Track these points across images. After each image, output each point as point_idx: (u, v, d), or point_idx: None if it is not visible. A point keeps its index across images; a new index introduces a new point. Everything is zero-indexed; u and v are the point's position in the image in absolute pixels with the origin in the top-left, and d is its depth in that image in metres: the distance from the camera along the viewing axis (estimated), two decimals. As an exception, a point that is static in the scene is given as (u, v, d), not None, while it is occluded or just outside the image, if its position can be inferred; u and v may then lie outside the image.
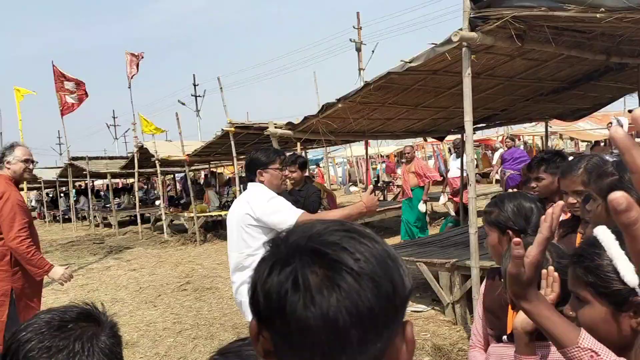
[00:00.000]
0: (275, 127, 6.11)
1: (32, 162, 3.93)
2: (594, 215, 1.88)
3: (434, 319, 5.52)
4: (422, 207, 8.59)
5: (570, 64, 5.76)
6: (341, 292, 0.60)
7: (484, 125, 8.40)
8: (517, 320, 1.42)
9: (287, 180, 3.51)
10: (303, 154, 11.27)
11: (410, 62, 4.81)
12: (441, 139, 9.34)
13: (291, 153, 7.21)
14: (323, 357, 0.62)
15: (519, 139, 22.03)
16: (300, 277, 0.61)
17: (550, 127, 10.26)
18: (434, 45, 4.60)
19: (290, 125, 6.11)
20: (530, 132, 18.89)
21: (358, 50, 21.52)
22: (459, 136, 9.06)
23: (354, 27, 21.90)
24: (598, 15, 3.58)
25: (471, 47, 4.30)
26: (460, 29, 4.22)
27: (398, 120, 6.80)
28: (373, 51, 21.71)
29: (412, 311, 5.71)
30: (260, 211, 3.09)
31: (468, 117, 4.44)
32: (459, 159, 9.11)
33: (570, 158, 2.87)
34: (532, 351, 1.41)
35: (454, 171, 10.29)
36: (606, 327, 1.05)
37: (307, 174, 5.59)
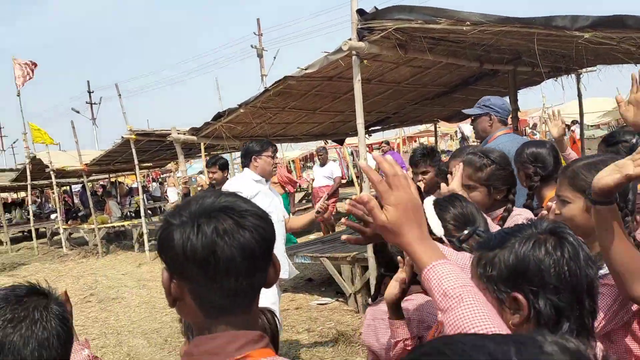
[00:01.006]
0: (178, 133, 6.19)
1: None
2: (475, 200, 2.23)
3: (338, 310, 5.88)
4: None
5: (449, 70, 6.40)
6: (248, 231, 0.89)
7: (378, 127, 8.98)
8: (386, 293, 1.58)
9: (275, 167, 4.00)
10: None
11: (305, 69, 5.15)
12: (341, 142, 9.81)
13: (213, 155, 7.27)
14: (243, 278, 0.89)
15: (415, 141, 23.39)
16: (222, 225, 0.88)
17: (439, 127, 11.10)
18: (327, 53, 4.97)
19: (193, 131, 6.22)
20: (426, 133, 20.11)
21: (260, 56, 21.78)
22: (354, 140, 9.59)
23: (254, 34, 22.12)
24: (465, 28, 4.11)
25: (360, 55, 4.70)
26: (350, 39, 4.61)
27: (299, 124, 7.14)
28: (275, 57, 22.05)
29: (318, 304, 6.04)
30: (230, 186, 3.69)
31: (360, 120, 4.84)
32: (324, 167, 9.51)
33: None
34: (401, 316, 1.59)
35: (319, 180, 9.72)
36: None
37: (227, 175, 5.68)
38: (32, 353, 1.06)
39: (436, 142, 10.32)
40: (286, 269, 3.82)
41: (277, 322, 1.27)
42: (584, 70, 7.20)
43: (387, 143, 10.99)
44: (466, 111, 3.93)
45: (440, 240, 1.46)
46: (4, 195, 20.80)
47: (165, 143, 9.02)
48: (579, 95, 7.77)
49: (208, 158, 5.62)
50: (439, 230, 1.46)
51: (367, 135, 9.17)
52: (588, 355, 0.53)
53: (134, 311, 6.68)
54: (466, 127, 18.56)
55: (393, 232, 1.03)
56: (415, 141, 23.49)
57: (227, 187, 3.85)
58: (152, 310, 6.58)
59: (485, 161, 2.22)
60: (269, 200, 3.74)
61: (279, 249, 3.79)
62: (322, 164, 9.57)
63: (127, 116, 10.06)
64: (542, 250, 1.06)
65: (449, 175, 2.24)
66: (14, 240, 15.62)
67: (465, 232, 1.47)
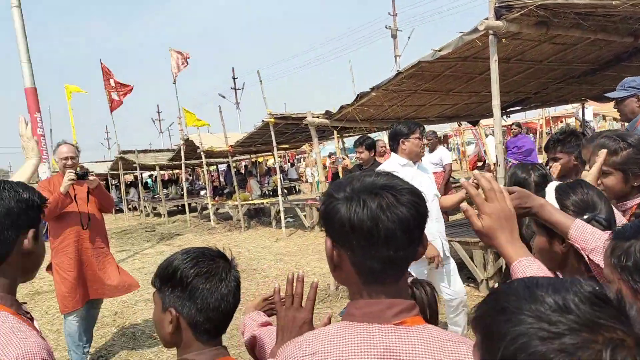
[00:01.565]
0: (313, 117, 6.48)
1: (70, 158, 4.17)
2: (607, 188, 2.15)
3: (469, 295, 5.81)
4: None
5: (598, 46, 5.89)
6: (405, 207, 1.00)
7: (518, 108, 8.54)
8: None
9: (423, 149, 3.99)
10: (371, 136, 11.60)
11: (439, 51, 5.08)
12: (474, 123, 9.49)
13: (360, 135, 7.25)
14: (400, 249, 1.00)
15: (561, 122, 21.67)
16: (384, 201, 1.00)
17: (587, 108, 10.22)
18: (462, 33, 4.86)
19: (327, 114, 6.46)
20: (571, 114, 18.56)
21: (394, 37, 21.60)
22: (491, 121, 9.12)
23: (389, 14, 21.96)
24: (614, 2, 3.78)
25: (497, 34, 4.53)
26: (486, 18, 4.47)
27: (431, 106, 7.06)
28: (409, 37, 21.74)
29: (447, 287, 6.00)
30: None
31: (496, 101, 4.67)
32: (433, 153, 8.31)
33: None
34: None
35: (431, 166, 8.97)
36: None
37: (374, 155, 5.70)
38: (214, 302, 1.30)
39: (583, 123, 9.52)
40: (440, 247, 3.83)
41: (435, 295, 1.37)
42: None
43: (519, 125, 10.27)
44: (610, 94, 3.68)
45: None
46: (162, 172, 23.22)
47: (301, 126, 9.48)
48: None
49: (356, 138, 5.75)
50: None
51: (505, 117, 8.77)
52: None
53: (272, 282, 7.19)
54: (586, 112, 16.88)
55: (487, 236, 1.26)
56: (561, 122, 21.80)
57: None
58: (288, 283, 7.04)
59: (621, 144, 2.09)
60: (417, 182, 3.73)
61: (433, 228, 3.78)
62: (431, 150, 8.47)
63: (267, 100, 10.68)
64: None
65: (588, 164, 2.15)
66: (170, 213, 17.52)
67: (585, 217, 1.45)
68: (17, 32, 8.07)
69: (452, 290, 3.99)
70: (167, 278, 1.33)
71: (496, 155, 4.89)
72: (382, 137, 12.68)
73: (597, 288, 0.68)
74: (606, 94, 3.87)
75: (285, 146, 15.46)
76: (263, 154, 19.00)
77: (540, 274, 1.15)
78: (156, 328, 1.37)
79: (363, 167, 5.66)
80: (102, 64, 17.09)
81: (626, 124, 3.70)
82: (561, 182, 1.63)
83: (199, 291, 1.30)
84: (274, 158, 12.26)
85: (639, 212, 2.08)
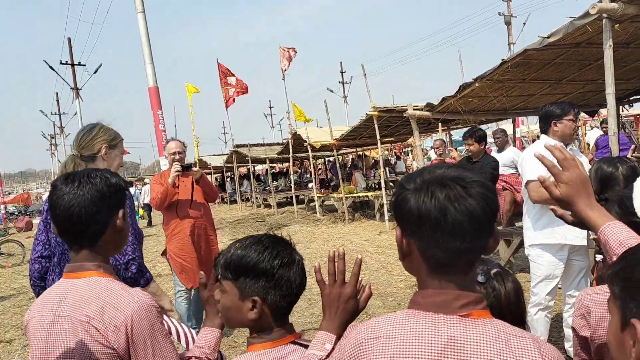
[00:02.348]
0: (415, 109, 6.43)
1: (178, 153, 4.49)
2: None
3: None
4: None
5: None
6: (474, 199, 1.02)
7: (644, 96, 7.79)
8: None
9: (576, 132, 3.92)
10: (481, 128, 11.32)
11: (548, 38, 4.82)
12: (592, 113, 8.81)
13: (470, 127, 6.79)
14: (468, 241, 1.02)
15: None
16: (452, 192, 1.03)
17: None
18: (572, 18, 4.57)
19: (428, 107, 6.38)
20: None
21: (507, 23, 20.56)
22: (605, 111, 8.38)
23: (502, 0, 20.93)
24: None
25: (612, 18, 4.21)
26: (600, 1, 4.17)
27: (541, 95, 6.68)
28: (524, 24, 20.55)
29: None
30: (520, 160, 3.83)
31: (610, 90, 4.36)
32: (502, 153, 7.12)
33: None
34: None
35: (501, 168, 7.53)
36: None
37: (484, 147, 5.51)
38: (296, 288, 1.43)
39: (619, 124, 8.44)
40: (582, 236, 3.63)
41: (518, 290, 1.37)
42: None
43: (444, 142, 8.81)
44: None
45: None
46: (272, 165, 24.20)
47: (405, 119, 9.42)
48: None
49: (466, 130, 5.61)
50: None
51: (627, 106, 8.06)
52: None
53: (373, 274, 7.27)
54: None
55: (567, 202, 1.34)
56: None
57: (523, 155, 3.84)
58: (389, 275, 7.08)
59: None
60: None
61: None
62: (500, 150, 7.29)
63: (375, 93, 10.80)
64: None
65: None
66: (279, 205, 18.25)
67: None
68: (141, 36, 8.89)
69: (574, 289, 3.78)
70: (246, 269, 1.42)
71: (610, 148, 4.54)
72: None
73: None
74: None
75: (390, 139, 15.42)
76: (369, 147, 19.08)
77: (633, 237, 1.24)
78: (227, 313, 1.48)
79: (472, 160, 5.50)
80: (218, 63, 18.20)
81: None
82: None
83: (284, 280, 1.40)
84: (379, 151, 12.27)
85: None
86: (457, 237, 1.01)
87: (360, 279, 1.45)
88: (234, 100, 18.02)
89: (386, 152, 25.96)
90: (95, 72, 25.20)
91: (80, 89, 26.57)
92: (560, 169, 1.34)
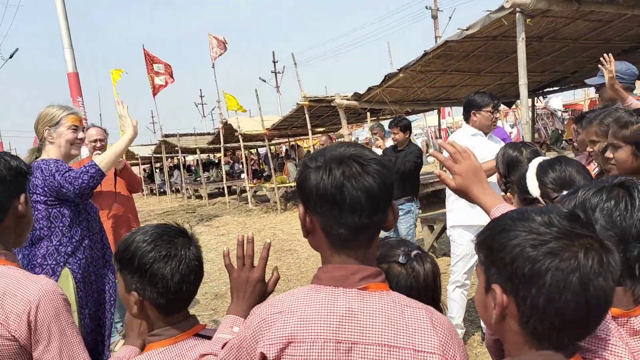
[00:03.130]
0: (342, 99, 6.51)
1: (99, 140, 4.32)
2: (618, 162, 2.14)
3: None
4: None
5: (638, 22, 5.63)
6: (371, 176, 1.05)
7: (556, 88, 8.29)
8: None
9: (495, 123, 3.93)
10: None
11: (466, 30, 5.00)
12: (509, 104, 9.27)
13: (395, 116, 7.03)
14: (365, 217, 1.05)
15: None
16: (349, 170, 1.05)
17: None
18: (489, 12, 4.77)
19: (355, 96, 6.48)
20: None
21: (434, 17, 21.19)
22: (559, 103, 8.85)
23: (429, -6, 21.49)
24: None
25: (525, 12, 4.42)
26: (513, -5, 4.37)
27: (462, 86, 6.96)
28: (450, 17, 21.26)
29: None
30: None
31: (522, 81, 4.56)
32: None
33: None
34: None
35: None
36: None
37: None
38: (175, 285, 1.35)
39: (552, 113, 9.14)
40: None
41: (435, 272, 1.41)
42: None
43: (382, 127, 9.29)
44: (588, 81, 3.73)
45: (536, 200, 1.49)
46: (203, 156, 23.73)
47: (337, 108, 9.52)
48: None
49: (391, 119, 5.69)
50: (535, 190, 1.51)
51: (541, 98, 8.54)
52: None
53: (303, 263, 7.34)
54: (556, 102, 16.27)
55: (463, 192, 1.45)
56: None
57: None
58: (319, 263, 7.14)
59: (633, 119, 2.06)
60: (487, 152, 3.60)
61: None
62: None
63: (307, 84, 10.83)
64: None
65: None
66: (211, 196, 17.95)
67: (563, 193, 1.47)
68: (59, 18, 8.41)
69: None
70: (126, 262, 1.36)
71: (523, 137, 4.80)
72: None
73: (573, 210, 0.91)
74: (586, 80, 3.93)
75: (322, 129, 15.54)
76: (301, 137, 19.13)
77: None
78: (124, 304, 1.43)
79: (398, 148, 5.63)
80: (144, 49, 17.54)
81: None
82: (545, 159, 1.65)
83: (158, 276, 1.33)
84: (310, 141, 12.34)
85: None
86: (355, 213, 1.04)
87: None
88: (161, 87, 17.47)
89: (319, 143, 26.15)
90: (11, 57, 23.65)
91: (-6, 75, 24.85)
92: (453, 162, 1.44)
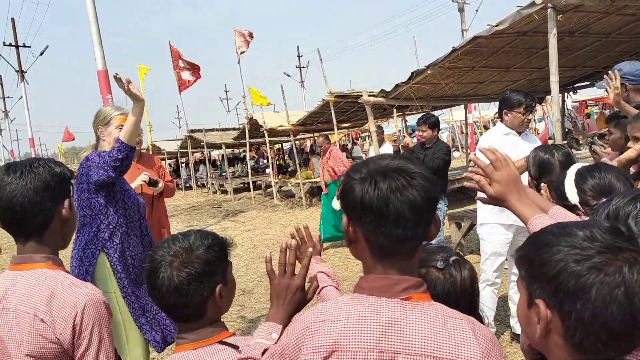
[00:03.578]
0: (369, 95, 6.50)
1: (137, 142, 4.46)
2: None
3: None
4: (335, 204, 7.58)
5: (674, 15, 5.49)
6: (415, 190, 1.07)
7: (587, 83, 8.12)
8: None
9: (528, 123, 3.91)
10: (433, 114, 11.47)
11: (496, 26, 4.94)
12: (540, 100, 9.12)
13: (424, 112, 7.08)
14: (409, 229, 1.07)
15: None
16: (395, 183, 1.07)
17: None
18: (519, 8, 4.71)
19: (382, 93, 6.46)
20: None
21: (460, 10, 20.90)
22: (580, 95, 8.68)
23: (456, -13, 21.23)
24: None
25: (557, 7, 4.35)
26: (545, -9, 4.30)
27: (491, 82, 6.88)
28: (477, 10, 20.96)
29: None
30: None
31: (554, 78, 4.51)
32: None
33: None
34: None
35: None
36: None
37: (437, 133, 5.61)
38: (167, 292, 1.42)
39: (563, 112, 8.90)
40: None
41: (472, 277, 1.43)
42: None
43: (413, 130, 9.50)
44: (597, 85, 3.69)
45: (575, 207, 1.49)
46: (228, 151, 23.94)
47: (361, 104, 9.49)
48: None
49: (420, 114, 5.67)
50: (574, 197, 1.50)
51: (571, 93, 8.38)
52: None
53: (329, 258, 7.37)
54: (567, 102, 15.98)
55: (501, 200, 1.44)
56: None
57: (480, 142, 3.99)
58: (345, 260, 7.18)
59: None
60: (517, 151, 3.66)
61: None
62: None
63: (332, 78, 10.82)
64: None
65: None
66: (236, 191, 18.11)
67: (602, 201, 1.46)
68: (89, 17, 8.57)
69: None
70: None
71: (553, 133, 4.73)
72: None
73: (615, 224, 0.92)
74: (595, 84, 3.90)
75: (347, 125, 15.51)
76: (326, 132, 19.16)
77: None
78: None
79: (426, 146, 5.60)
80: (170, 45, 17.74)
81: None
82: (583, 165, 1.64)
83: (151, 286, 1.44)
84: (336, 136, 12.34)
85: None
86: (399, 226, 1.06)
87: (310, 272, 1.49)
88: (188, 83, 17.64)
89: (344, 138, 26.09)
90: (42, 54, 24.21)
91: (26, 72, 25.46)
92: (493, 169, 1.44)
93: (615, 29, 5.67)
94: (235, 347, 1.39)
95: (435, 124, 5.50)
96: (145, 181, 4.27)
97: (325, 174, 8.01)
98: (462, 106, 11.53)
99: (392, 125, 21.53)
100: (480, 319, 1.44)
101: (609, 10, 5.01)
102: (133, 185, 4.26)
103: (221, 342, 1.43)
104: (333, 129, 12.26)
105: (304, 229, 1.64)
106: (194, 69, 17.30)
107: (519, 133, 3.81)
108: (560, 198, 1.60)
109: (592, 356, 0.89)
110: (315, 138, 20.42)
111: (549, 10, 4.33)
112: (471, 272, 1.38)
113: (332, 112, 10.43)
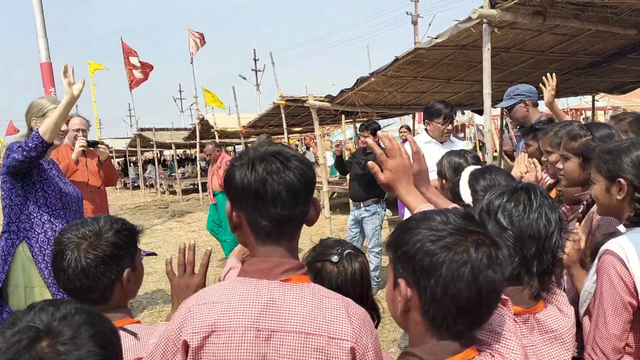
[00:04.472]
0: (315, 100, 6.58)
1: (82, 130, 4.35)
2: (566, 172, 2.24)
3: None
4: None
5: (601, 38, 5.83)
6: (291, 171, 1.14)
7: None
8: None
9: (448, 134, 4.14)
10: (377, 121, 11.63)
11: (436, 38, 5.11)
12: (480, 112, 9.46)
13: (367, 119, 7.26)
14: (287, 209, 1.14)
15: (581, 114, 21.32)
16: (270, 166, 1.15)
17: (597, 101, 10.11)
18: (457, 22, 4.89)
19: (328, 98, 6.56)
20: (586, 107, 18.25)
21: (414, 23, 21.43)
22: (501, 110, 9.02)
23: (410, 0, 21.76)
24: (604, -7, 3.79)
25: (492, 23, 4.54)
26: (481, 7, 4.49)
27: (433, 93, 7.09)
28: (430, 24, 21.53)
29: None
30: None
31: (487, 90, 4.67)
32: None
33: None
34: None
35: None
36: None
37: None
38: (69, 276, 1.46)
39: (593, 115, 9.44)
40: None
41: (363, 269, 1.50)
42: None
43: (408, 128, 10.30)
44: (501, 105, 4.17)
45: (468, 206, 1.59)
46: (180, 151, 23.57)
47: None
48: None
49: (363, 121, 5.86)
50: (467, 197, 1.60)
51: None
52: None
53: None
54: (480, 118, 17.00)
55: (390, 187, 1.49)
56: (581, 114, 21.42)
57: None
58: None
59: (583, 132, 2.17)
60: (434, 159, 3.87)
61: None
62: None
63: (289, 83, 11.00)
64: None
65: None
66: (185, 192, 17.85)
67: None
68: (34, 7, 8.30)
69: None
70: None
71: (484, 143, 4.93)
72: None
73: (468, 211, 1.03)
74: (496, 106, 4.28)
75: (298, 129, 15.57)
76: (278, 136, 19.16)
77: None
78: None
79: (367, 151, 5.74)
80: (122, 42, 17.36)
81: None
82: (477, 167, 1.75)
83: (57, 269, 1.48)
84: (286, 140, 12.37)
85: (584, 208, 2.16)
86: (276, 206, 1.13)
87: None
88: (140, 81, 17.28)
89: (297, 142, 26.18)
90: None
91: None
92: (387, 157, 1.49)
93: (548, 47, 5.97)
94: (134, 334, 1.41)
95: (376, 130, 5.65)
96: (83, 146, 4.17)
97: (214, 182, 7.81)
98: (411, 116, 11.79)
99: (341, 133, 21.76)
100: (376, 307, 1.52)
101: (541, 28, 5.26)
102: (73, 155, 4.17)
103: (121, 328, 1.44)
104: (283, 133, 12.30)
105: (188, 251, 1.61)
106: (146, 68, 16.99)
107: (441, 142, 4.00)
108: (455, 198, 1.71)
109: (445, 330, 0.97)
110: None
111: (484, 25, 4.52)
112: (361, 265, 1.45)
113: (283, 115, 10.46)
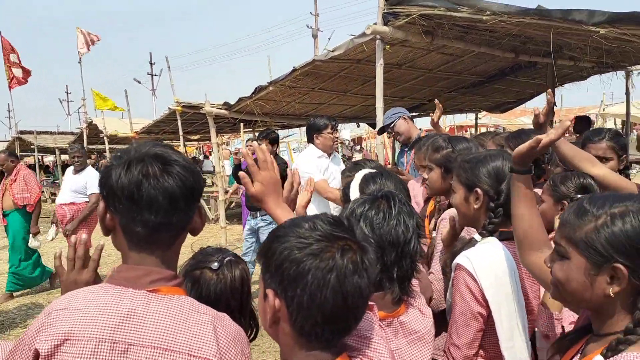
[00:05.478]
0: (212, 107, 6.45)
1: None
2: (430, 182, 2.36)
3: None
4: (51, 233, 6.55)
5: (484, 59, 6.31)
6: (172, 177, 1.07)
7: (415, 114, 8.94)
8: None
9: (337, 143, 4.22)
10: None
11: (332, 51, 5.24)
12: (374, 125, 9.82)
13: (265, 128, 7.27)
14: (163, 216, 1.06)
15: (466, 130, 22.93)
16: (148, 169, 1.07)
17: (480, 118, 10.93)
18: (353, 36, 5.04)
19: (226, 106, 6.46)
20: (471, 124, 19.70)
21: (314, 37, 21.86)
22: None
23: (311, 14, 22.19)
24: (484, 17, 4.09)
25: (384, 40, 4.73)
26: (375, 23, 4.66)
27: (330, 105, 7.25)
28: (329, 39, 22.07)
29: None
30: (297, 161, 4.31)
31: (379, 104, 4.86)
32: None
33: None
34: None
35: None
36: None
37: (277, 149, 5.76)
38: None
39: (476, 132, 10.17)
40: None
41: (244, 277, 1.46)
42: (634, 67, 6.93)
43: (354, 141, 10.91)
44: (383, 124, 4.39)
45: None
46: (64, 157, 21.99)
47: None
48: (627, 94, 7.51)
49: (261, 130, 5.83)
50: None
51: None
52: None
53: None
54: (345, 133, 18.82)
55: (259, 200, 1.43)
56: (466, 131, 23.05)
57: (296, 162, 4.16)
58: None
59: (445, 144, 2.31)
60: (329, 173, 4.02)
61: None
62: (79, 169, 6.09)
63: (188, 89, 10.56)
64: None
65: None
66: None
67: None
68: None
69: None
70: None
71: (376, 154, 5.12)
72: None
73: (336, 216, 1.00)
74: (376, 129, 4.68)
75: (196, 137, 15.18)
76: (173, 143, 18.54)
77: None
78: None
79: None
80: (2, 37, 15.92)
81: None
82: (370, 172, 1.79)
83: None
84: (184, 148, 11.98)
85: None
86: (152, 212, 1.06)
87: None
88: (20, 81, 15.91)
89: (196, 150, 25.48)
90: None
91: None
92: (257, 169, 1.44)
93: (436, 65, 6.34)
94: None
95: (275, 140, 5.66)
96: None
97: (6, 199, 6.09)
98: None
99: (240, 141, 21.57)
100: (254, 317, 1.49)
101: (430, 47, 5.58)
102: None
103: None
104: (179, 140, 11.91)
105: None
106: (25, 71, 15.71)
107: (329, 155, 4.11)
108: (346, 201, 1.73)
109: (314, 339, 0.94)
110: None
111: (377, 41, 4.70)
112: (242, 272, 1.41)
113: (179, 122, 10.13)
